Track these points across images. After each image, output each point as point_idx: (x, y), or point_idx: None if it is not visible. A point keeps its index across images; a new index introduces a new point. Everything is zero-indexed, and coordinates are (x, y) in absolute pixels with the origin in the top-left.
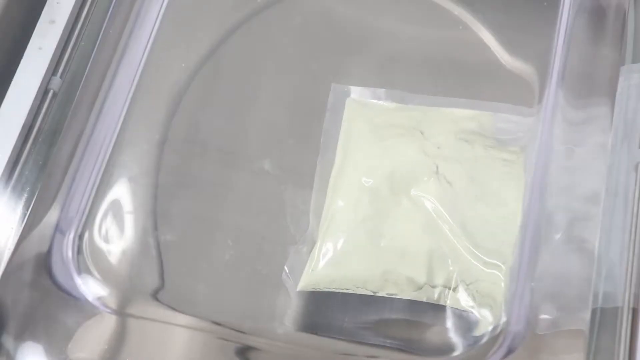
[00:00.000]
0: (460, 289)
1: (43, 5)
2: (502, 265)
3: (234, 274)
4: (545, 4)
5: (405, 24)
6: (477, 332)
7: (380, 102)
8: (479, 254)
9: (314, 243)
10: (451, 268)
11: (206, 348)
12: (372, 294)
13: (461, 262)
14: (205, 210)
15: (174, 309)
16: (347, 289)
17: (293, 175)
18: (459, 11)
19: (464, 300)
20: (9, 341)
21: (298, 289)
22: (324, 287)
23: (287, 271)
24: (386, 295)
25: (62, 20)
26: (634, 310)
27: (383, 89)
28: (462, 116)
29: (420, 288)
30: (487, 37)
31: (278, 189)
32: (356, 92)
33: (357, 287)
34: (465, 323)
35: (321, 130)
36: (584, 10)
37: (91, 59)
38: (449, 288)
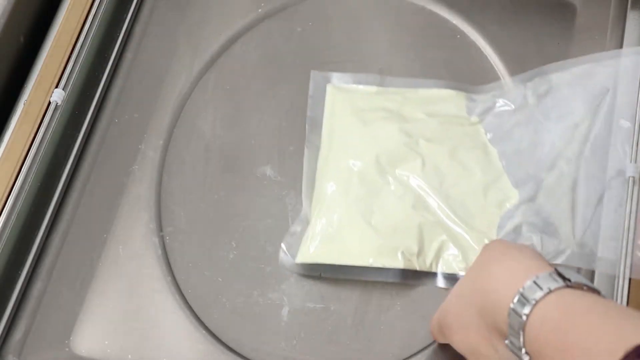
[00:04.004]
0: (451, 255)
1: None
2: (488, 229)
3: (237, 272)
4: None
5: (403, 33)
6: None
7: (361, 86)
8: (466, 222)
9: (307, 223)
10: (441, 237)
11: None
12: (368, 264)
13: (450, 231)
14: (210, 213)
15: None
16: (343, 262)
17: (294, 180)
18: (458, 21)
19: (455, 264)
20: None
21: (297, 262)
22: (321, 260)
23: (285, 248)
24: (380, 266)
25: None
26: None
27: (362, 74)
28: (439, 97)
29: (412, 257)
30: (485, 47)
31: (280, 193)
32: (336, 77)
33: (353, 260)
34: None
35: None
36: None
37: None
38: (440, 255)
